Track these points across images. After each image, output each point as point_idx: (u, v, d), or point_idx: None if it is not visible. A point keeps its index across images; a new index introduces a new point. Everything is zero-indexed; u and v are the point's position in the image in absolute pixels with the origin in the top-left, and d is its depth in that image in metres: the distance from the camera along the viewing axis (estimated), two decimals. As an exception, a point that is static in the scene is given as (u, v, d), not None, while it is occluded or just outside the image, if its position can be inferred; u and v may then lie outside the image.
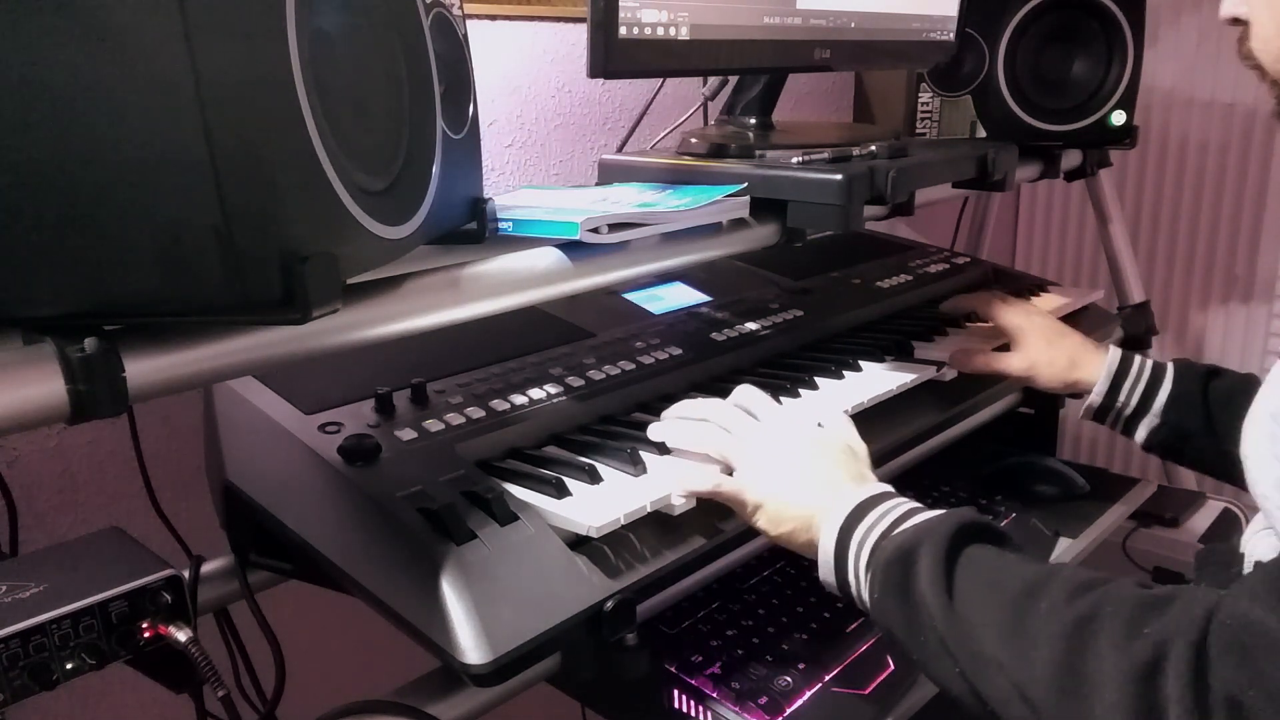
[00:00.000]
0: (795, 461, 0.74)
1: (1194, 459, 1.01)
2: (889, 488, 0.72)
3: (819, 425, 0.79)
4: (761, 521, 0.73)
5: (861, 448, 0.79)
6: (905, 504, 0.69)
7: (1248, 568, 0.77)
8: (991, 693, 0.58)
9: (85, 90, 0.44)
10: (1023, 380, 1.06)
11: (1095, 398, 1.03)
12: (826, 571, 0.70)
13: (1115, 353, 1.03)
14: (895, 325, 1.16)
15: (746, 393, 0.81)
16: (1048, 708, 0.54)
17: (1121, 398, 1.02)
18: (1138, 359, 1.02)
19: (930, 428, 0.98)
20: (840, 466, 0.74)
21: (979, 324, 1.19)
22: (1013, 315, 1.08)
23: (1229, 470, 0.78)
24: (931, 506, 0.69)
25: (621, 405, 0.88)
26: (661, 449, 0.79)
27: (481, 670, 0.60)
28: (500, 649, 0.60)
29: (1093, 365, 1.03)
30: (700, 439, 0.78)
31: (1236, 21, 0.73)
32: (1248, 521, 0.81)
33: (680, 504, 0.73)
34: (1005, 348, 1.09)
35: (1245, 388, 0.96)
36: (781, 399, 0.88)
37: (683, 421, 0.80)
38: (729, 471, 0.76)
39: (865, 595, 0.67)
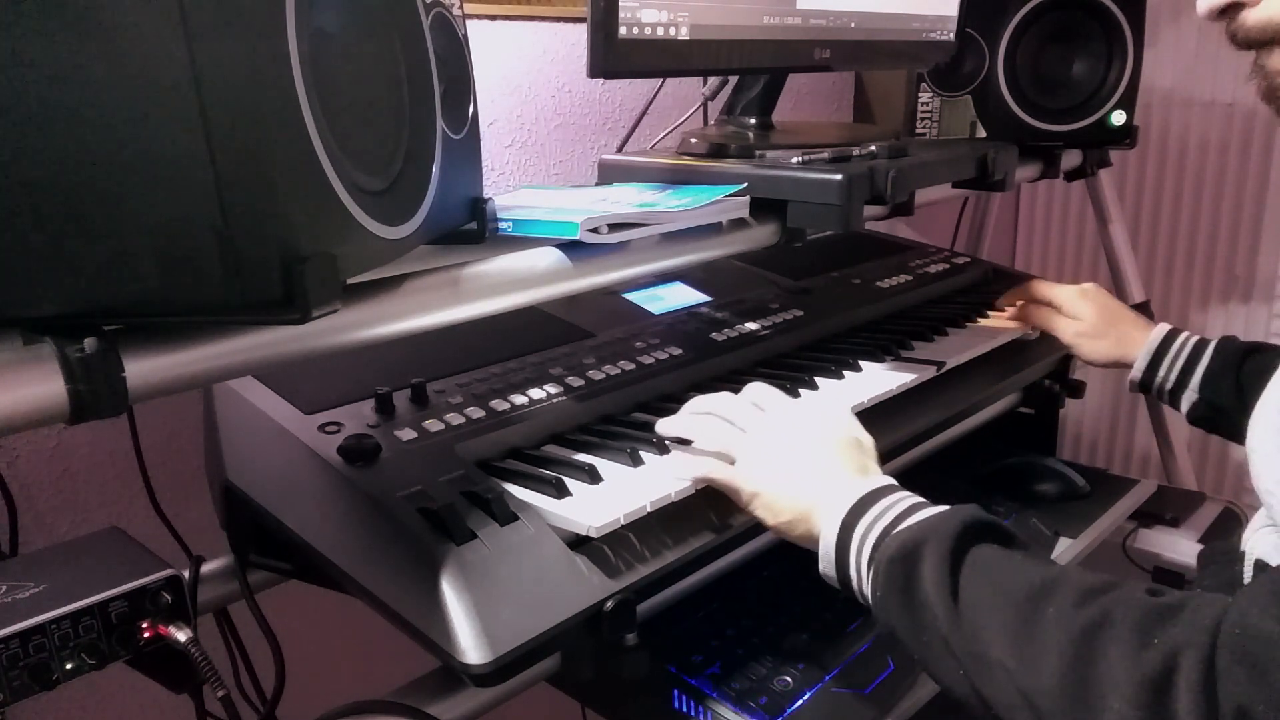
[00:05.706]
0: (795, 452, 0.74)
1: (1229, 432, 1.05)
2: (892, 481, 0.72)
3: (828, 417, 0.78)
4: (759, 510, 0.73)
5: (868, 440, 0.78)
6: (909, 498, 0.69)
7: (1249, 565, 0.77)
8: (997, 696, 0.57)
9: (85, 90, 0.44)
10: (1069, 347, 1.15)
11: (1136, 372, 1.10)
12: (827, 565, 0.69)
13: (1159, 330, 1.10)
14: (895, 325, 1.15)
15: (757, 389, 0.81)
16: (1055, 715, 0.54)
17: (1161, 373, 1.08)
18: (1182, 336, 1.09)
19: (930, 428, 0.98)
20: (843, 458, 0.73)
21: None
22: (1069, 291, 1.16)
23: None
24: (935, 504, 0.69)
25: (621, 405, 0.88)
26: (662, 448, 0.79)
27: (481, 670, 0.60)
28: (500, 649, 0.60)
29: (1138, 343, 1.11)
30: (704, 432, 0.78)
31: (1225, 11, 0.68)
32: (1248, 520, 0.81)
33: (677, 491, 0.73)
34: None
35: (1277, 365, 0.95)
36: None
37: (690, 416, 0.80)
38: (732, 463, 0.75)
39: (867, 591, 0.66)
